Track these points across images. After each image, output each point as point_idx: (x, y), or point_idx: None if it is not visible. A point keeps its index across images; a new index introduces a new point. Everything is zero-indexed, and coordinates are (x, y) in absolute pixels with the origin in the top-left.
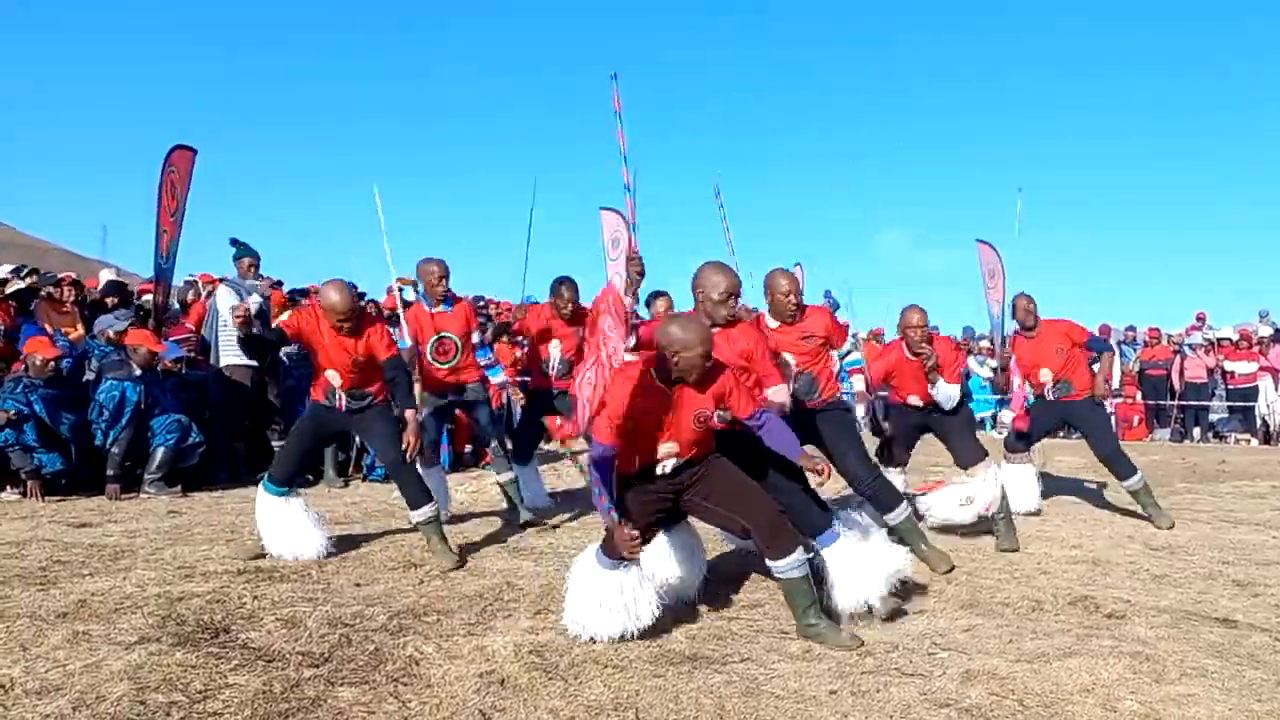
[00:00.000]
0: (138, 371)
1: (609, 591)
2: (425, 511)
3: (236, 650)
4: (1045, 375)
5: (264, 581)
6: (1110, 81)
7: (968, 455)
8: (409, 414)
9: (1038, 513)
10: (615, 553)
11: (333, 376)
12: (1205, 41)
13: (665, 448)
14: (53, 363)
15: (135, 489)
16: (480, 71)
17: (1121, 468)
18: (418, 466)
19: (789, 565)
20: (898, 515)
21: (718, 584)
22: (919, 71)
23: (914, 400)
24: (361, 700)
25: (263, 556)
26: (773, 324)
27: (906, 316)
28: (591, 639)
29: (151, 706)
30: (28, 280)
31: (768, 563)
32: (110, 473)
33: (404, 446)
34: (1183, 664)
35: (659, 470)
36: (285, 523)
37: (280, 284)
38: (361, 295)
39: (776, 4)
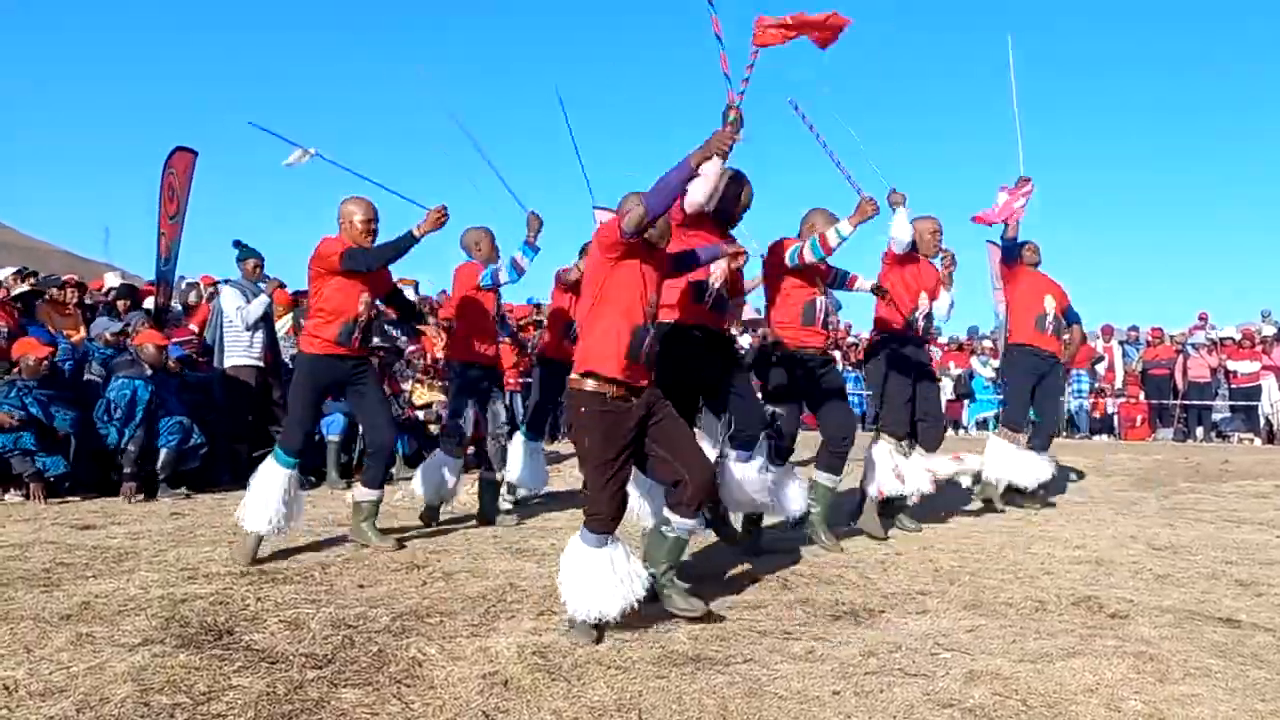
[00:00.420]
0: (148, 371)
1: (602, 569)
2: (372, 494)
3: (240, 652)
4: (1050, 303)
5: (267, 583)
6: (1111, 80)
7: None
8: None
9: (1040, 495)
10: (598, 529)
11: (364, 301)
12: (1207, 41)
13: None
14: (45, 361)
15: (152, 491)
16: (481, 72)
17: (1046, 441)
18: (447, 456)
19: (687, 527)
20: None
21: (719, 586)
22: (915, 70)
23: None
24: (365, 702)
25: (259, 561)
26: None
27: (921, 225)
28: (599, 621)
29: (155, 708)
30: (29, 283)
31: (673, 516)
32: (127, 470)
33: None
34: (1186, 664)
35: (646, 333)
36: (281, 495)
37: (284, 284)
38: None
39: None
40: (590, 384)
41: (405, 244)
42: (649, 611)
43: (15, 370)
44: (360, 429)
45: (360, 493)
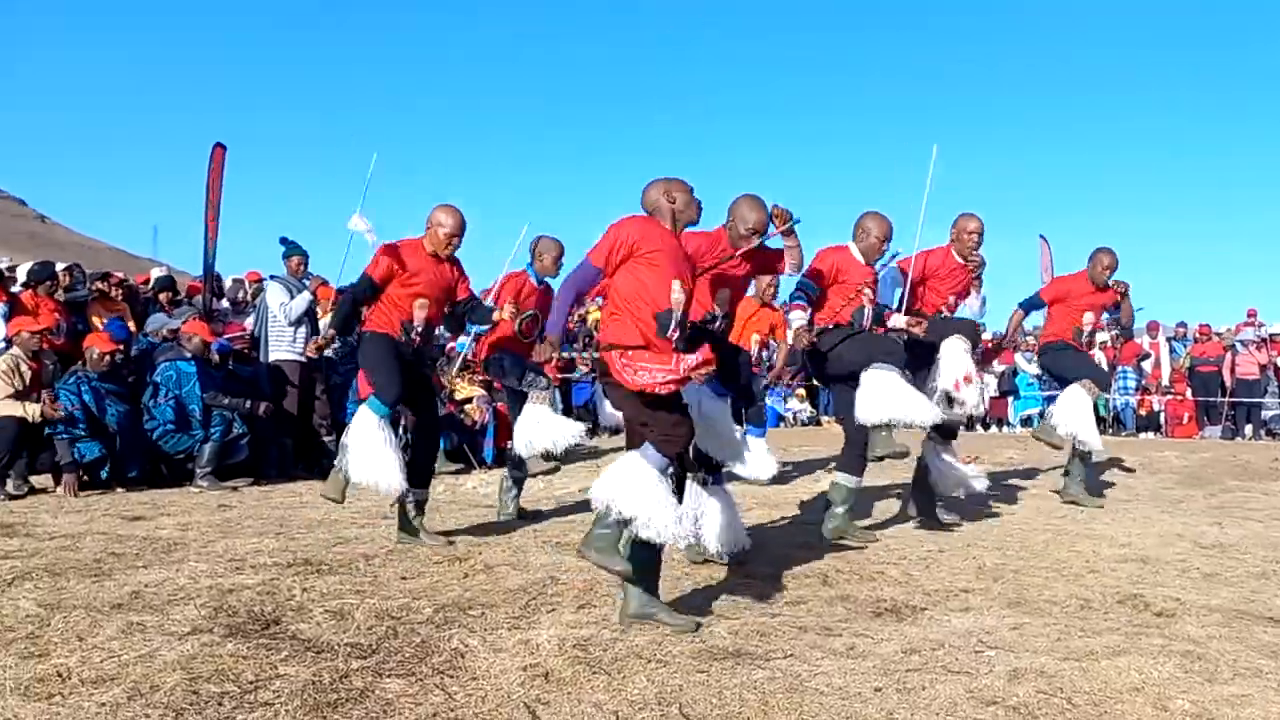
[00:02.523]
0: (189, 355)
1: (664, 491)
2: (420, 493)
3: (286, 641)
4: (1088, 320)
5: (313, 574)
6: (1160, 76)
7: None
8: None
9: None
10: (665, 450)
11: (421, 307)
12: (1264, 35)
13: (677, 283)
14: (108, 357)
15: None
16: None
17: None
18: (536, 406)
19: None
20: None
21: (760, 580)
22: (956, 62)
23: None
24: (408, 692)
25: (340, 499)
26: (860, 260)
27: (963, 222)
28: (655, 540)
29: (204, 696)
30: (94, 286)
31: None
32: (208, 470)
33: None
34: (1235, 664)
35: (673, 316)
36: (377, 448)
37: (327, 281)
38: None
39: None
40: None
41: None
42: (689, 605)
43: (81, 362)
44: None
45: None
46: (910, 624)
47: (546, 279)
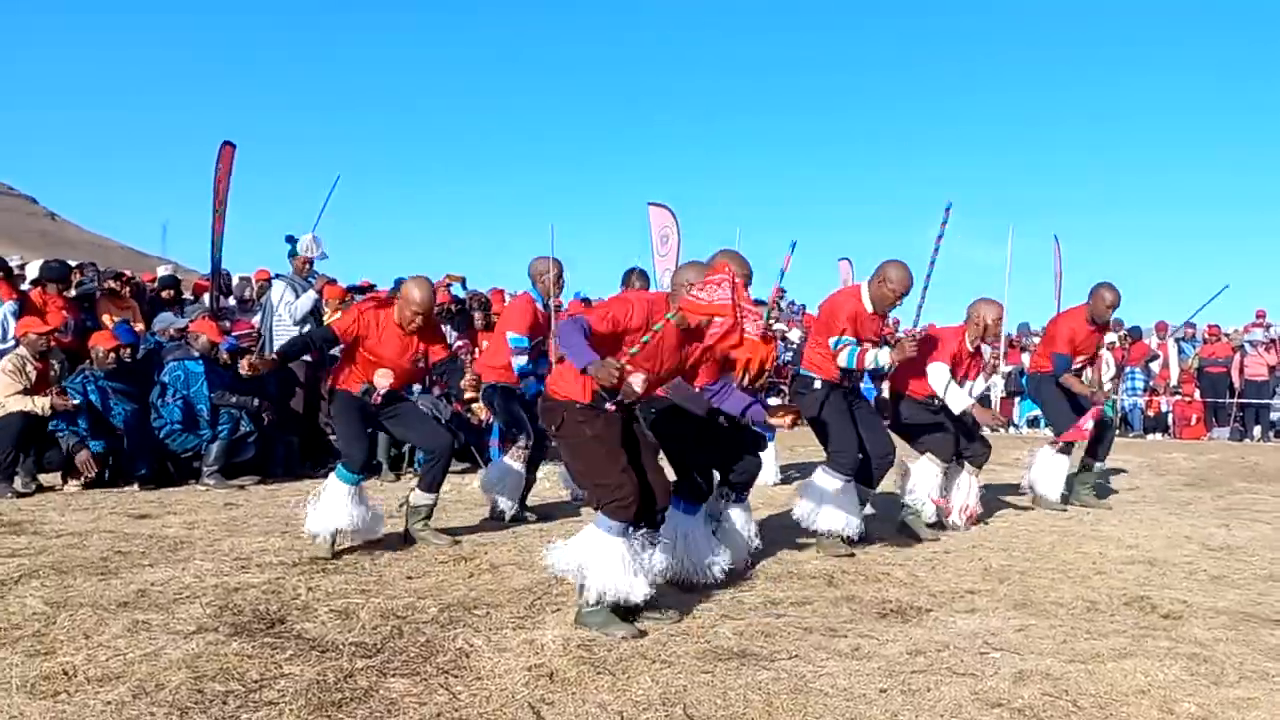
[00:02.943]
0: (196, 354)
1: (623, 557)
2: (429, 498)
3: (291, 640)
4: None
5: (318, 573)
6: (1174, 74)
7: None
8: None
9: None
10: (619, 517)
11: (383, 376)
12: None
13: (636, 378)
14: (112, 354)
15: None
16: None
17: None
18: (509, 460)
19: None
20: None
21: (765, 581)
22: (961, 68)
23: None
24: (413, 691)
25: (329, 554)
26: (869, 309)
27: (984, 311)
28: (624, 602)
29: (209, 695)
30: (105, 284)
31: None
32: (215, 468)
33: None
34: (1242, 666)
35: (624, 393)
36: (343, 512)
37: (334, 280)
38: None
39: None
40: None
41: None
42: (694, 606)
43: (87, 361)
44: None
45: (417, 497)
46: (915, 625)
47: (550, 299)
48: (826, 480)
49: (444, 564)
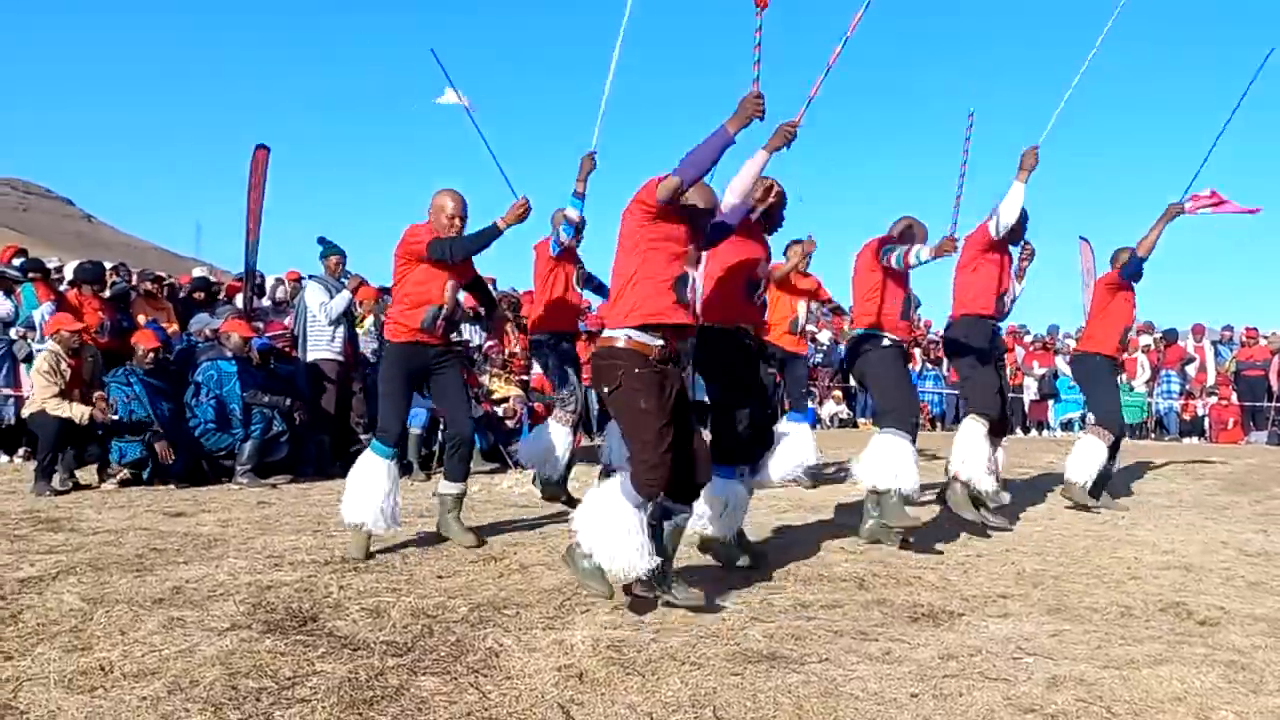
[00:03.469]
0: (229, 354)
1: (635, 528)
2: (455, 488)
3: (323, 638)
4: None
5: (349, 572)
6: (1203, 71)
7: None
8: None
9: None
10: (643, 492)
11: (454, 289)
12: None
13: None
14: (152, 353)
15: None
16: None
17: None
18: (558, 425)
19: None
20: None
21: (795, 584)
22: (1000, 69)
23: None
24: (443, 690)
25: (365, 556)
26: None
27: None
28: (624, 577)
29: (242, 691)
30: (142, 286)
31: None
32: (248, 467)
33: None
34: None
35: (690, 281)
36: (378, 492)
37: (366, 280)
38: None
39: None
40: (634, 338)
41: (489, 235)
42: (723, 609)
43: (128, 358)
44: (441, 423)
45: (444, 486)
46: (947, 629)
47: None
48: (889, 440)
49: (474, 563)
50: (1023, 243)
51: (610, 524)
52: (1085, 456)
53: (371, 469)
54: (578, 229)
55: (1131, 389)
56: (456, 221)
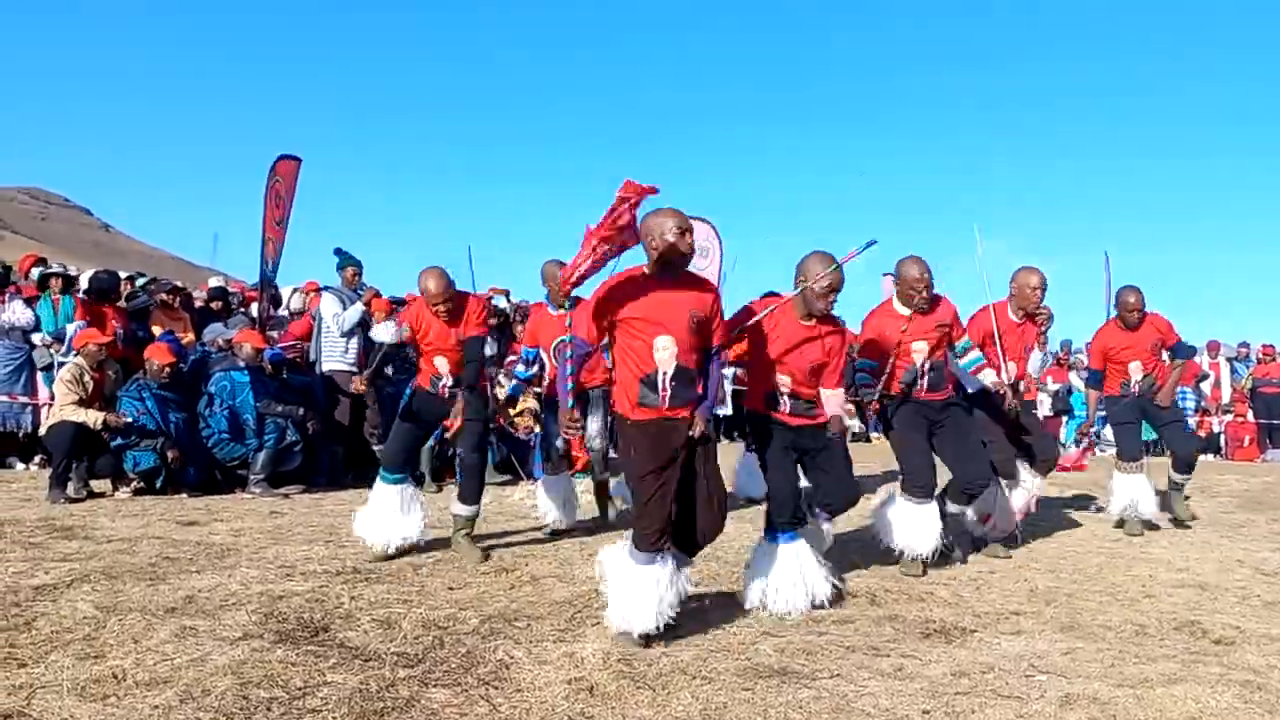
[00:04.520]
0: (242, 365)
1: (646, 585)
2: (468, 509)
3: (334, 649)
4: (1136, 370)
5: (361, 583)
6: (1222, 81)
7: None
8: (460, 394)
9: (1154, 527)
10: (647, 546)
11: (441, 363)
12: None
13: (662, 340)
14: (168, 368)
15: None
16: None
17: (1188, 468)
18: (547, 474)
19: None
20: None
21: None
22: (1013, 97)
23: (988, 378)
24: (453, 702)
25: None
26: (904, 311)
27: (1024, 278)
28: (632, 633)
29: (253, 701)
30: (129, 287)
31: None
32: (261, 477)
33: (449, 425)
34: None
35: (660, 376)
36: (390, 513)
37: (380, 293)
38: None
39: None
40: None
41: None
42: (734, 623)
43: (141, 371)
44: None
45: (455, 506)
46: (959, 646)
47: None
48: (903, 507)
49: (485, 575)
50: (1040, 310)
51: (620, 583)
52: (1126, 490)
53: (384, 494)
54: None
55: None
56: (438, 304)
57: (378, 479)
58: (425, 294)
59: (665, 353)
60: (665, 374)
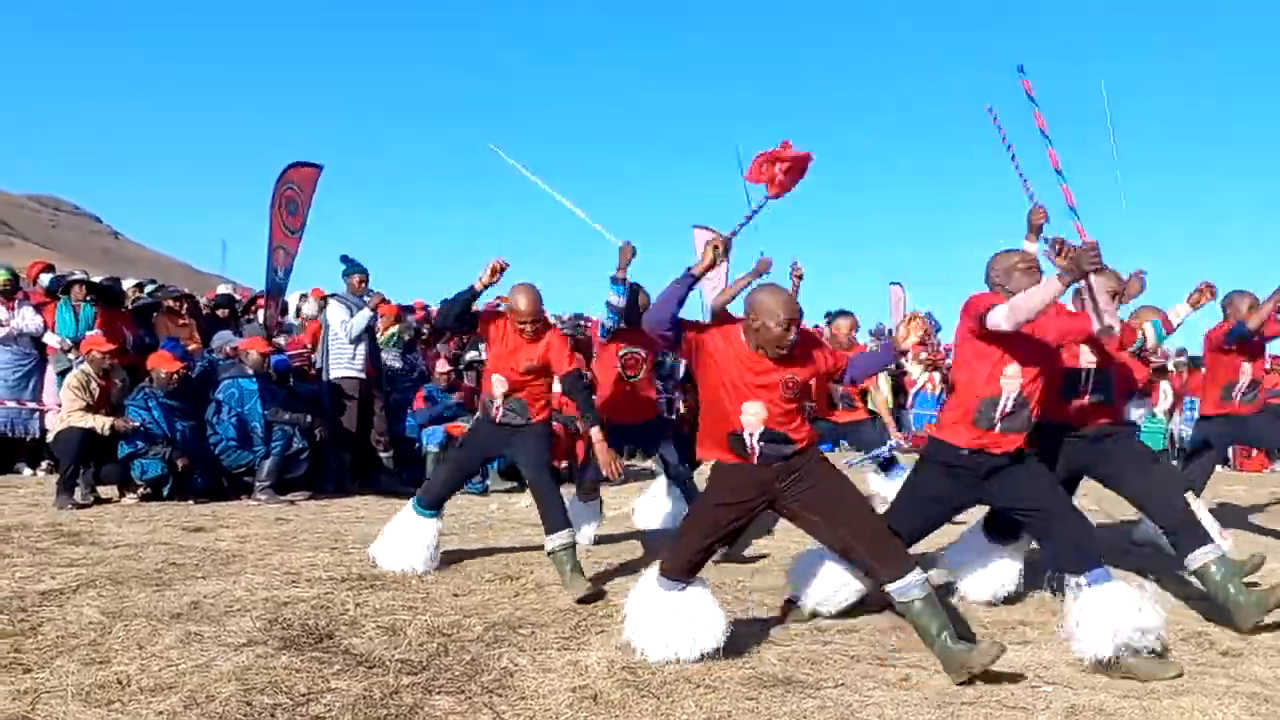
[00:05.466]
0: (250, 372)
1: (666, 614)
2: (560, 538)
3: (339, 655)
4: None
5: (366, 589)
6: (1244, 78)
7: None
8: (594, 432)
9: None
10: (676, 573)
11: (498, 382)
12: None
13: (751, 407)
14: (175, 375)
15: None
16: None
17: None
18: (579, 500)
19: (906, 586)
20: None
21: None
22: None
23: None
24: (457, 709)
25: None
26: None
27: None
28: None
29: (258, 707)
30: (138, 292)
31: (885, 587)
32: (267, 484)
33: (604, 471)
34: None
35: (748, 438)
36: (409, 541)
37: (388, 299)
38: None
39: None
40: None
41: (463, 297)
42: (739, 632)
43: (147, 380)
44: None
45: (546, 541)
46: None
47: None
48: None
49: (490, 582)
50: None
51: (644, 615)
52: None
53: (407, 521)
54: (620, 314)
55: (1154, 416)
56: (526, 325)
57: (410, 507)
58: (514, 311)
59: (754, 417)
60: (752, 435)
